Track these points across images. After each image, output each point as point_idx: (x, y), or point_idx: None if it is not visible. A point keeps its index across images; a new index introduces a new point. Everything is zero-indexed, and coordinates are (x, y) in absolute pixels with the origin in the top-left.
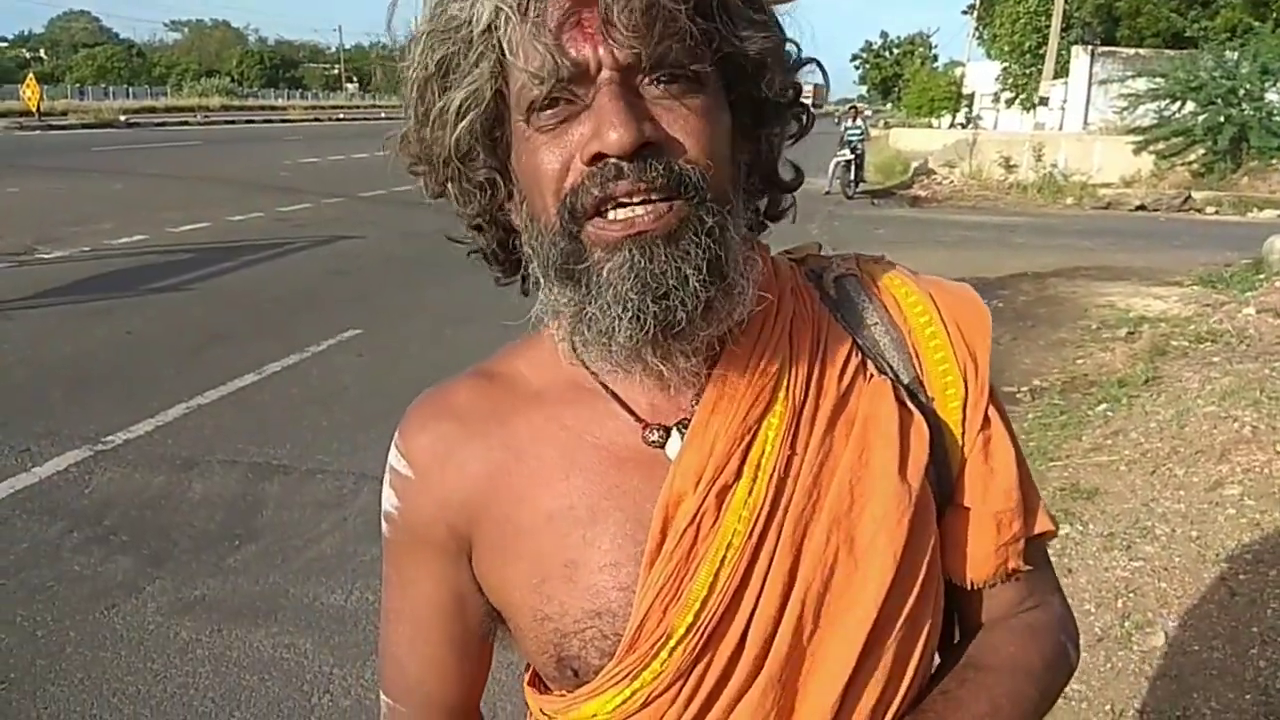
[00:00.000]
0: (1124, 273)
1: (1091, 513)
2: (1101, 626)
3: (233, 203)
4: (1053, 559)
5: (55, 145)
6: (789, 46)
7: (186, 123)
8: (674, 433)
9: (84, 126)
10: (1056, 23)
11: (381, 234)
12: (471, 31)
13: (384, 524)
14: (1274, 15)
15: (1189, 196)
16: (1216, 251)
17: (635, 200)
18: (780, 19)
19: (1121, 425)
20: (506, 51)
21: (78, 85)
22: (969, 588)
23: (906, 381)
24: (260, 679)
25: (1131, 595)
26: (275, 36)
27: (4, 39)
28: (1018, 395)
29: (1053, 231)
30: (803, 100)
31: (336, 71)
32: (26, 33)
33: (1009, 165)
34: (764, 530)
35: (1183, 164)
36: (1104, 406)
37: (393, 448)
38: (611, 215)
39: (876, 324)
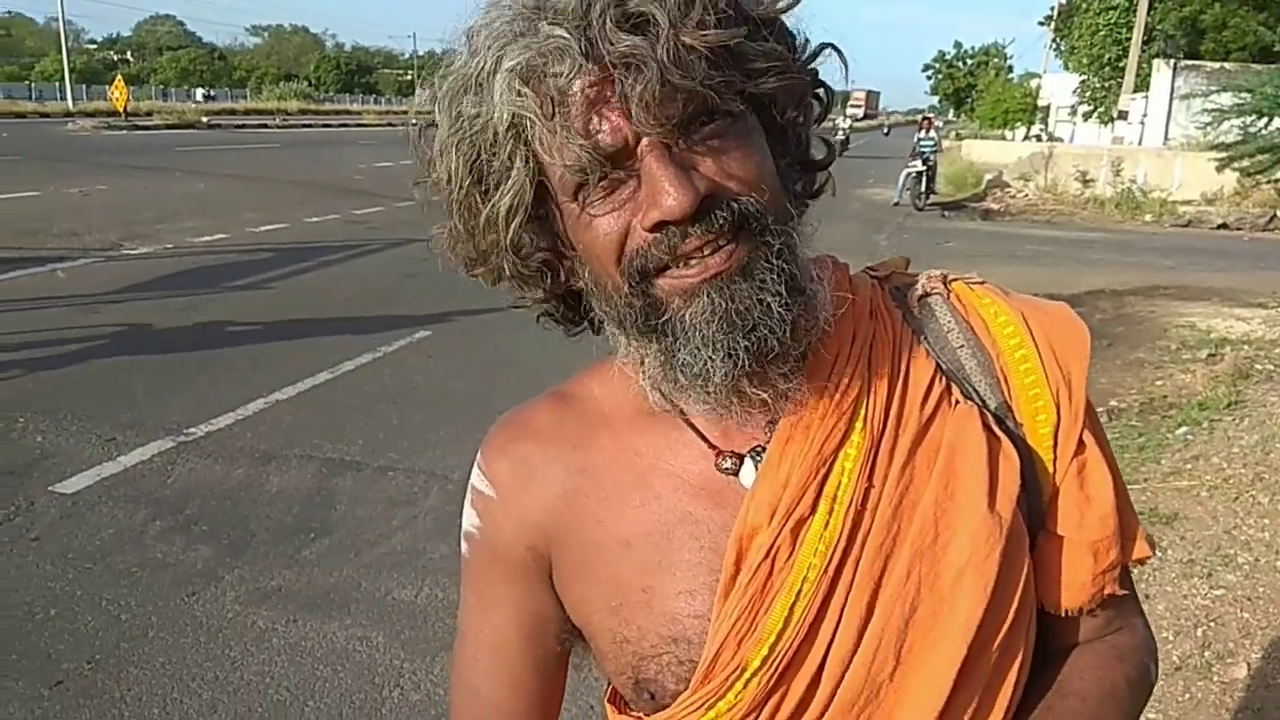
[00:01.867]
0: (1205, 293)
1: (1171, 538)
2: (1180, 655)
3: (309, 204)
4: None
5: (140, 145)
6: (798, 41)
7: (265, 125)
8: (747, 460)
9: (168, 127)
10: (1138, 35)
11: None
12: (497, 132)
13: (464, 544)
14: None
15: (1275, 215)
16: None
17: (705, 252)
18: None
19: (1202, 449)
20: (539, 148)
21: (161, 86)
22: (1063, 615)
23: (994, 407)
24: (333, 670)
25: (1212, 624)
26: (352, 42)
27: (93, 41)
28: None
29: (1131, 248)
30: (819, 80)
31: (410, 77)
32: (115, 35)
33: (1086, 180)
34: (840, 564)
35: (1269, 182)
36: (1184, 430)
37: (474, 469)
38: (680, 266)
39: (963, 346)
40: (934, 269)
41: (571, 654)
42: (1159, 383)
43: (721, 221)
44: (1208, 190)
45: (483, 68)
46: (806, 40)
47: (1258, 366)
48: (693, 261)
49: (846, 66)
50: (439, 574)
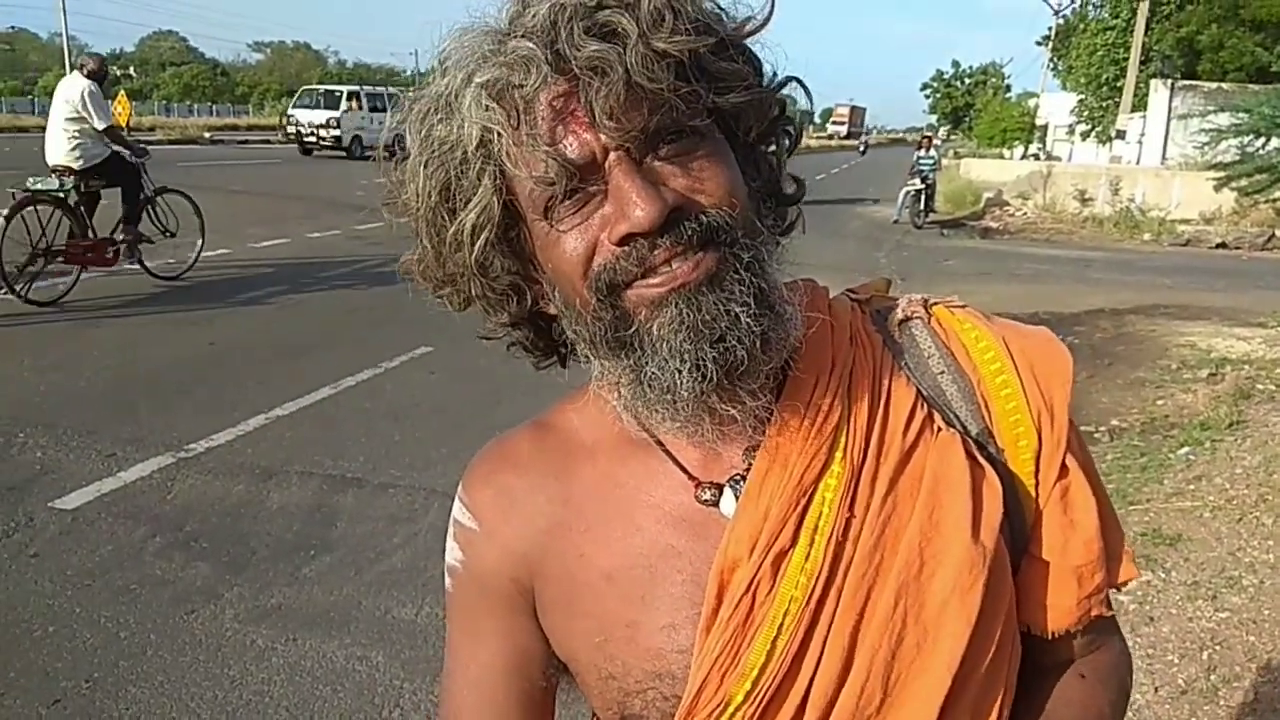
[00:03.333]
0: (1205, 312)
1: (1174, 560)
2: (1185, 679)
3: (311, 220)
4: (1134, 606)
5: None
6: (765, 68)
7: (268, 141)
8: (727, 490)
9: (170, 143)
10: (1135, 55)
11: None
12: (465, 150)
13: (448, 579)
14: None
15: (1273, 235)
16: None
17: (674, 263)
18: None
19: (1205, 470)
20: (507, 163)
21: (164, 102)
22: (1048, 638)
23: (975, 433)
24: (333, 690)
25: (1218, 647)
26: (354, 59)
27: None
28: (1096, 435)
29: (1130, 267)
30: (787, 114)
31: (411, 93)
32: (118, 51)
33: (1084, 198)
34: (822, 596)
35: (1267, 202)
36: (1186, 450)
37: (456, 501)
38: (651, 277)
39: (943, 372)
40: (915, 292)
41: (559, 689)
42: (1160, 402)
43: (690, 233)
44: (1206, 209)
45: (452, 87)
46: (775, 72)
47: (1259, 386)
48: (660, 272)
49: (811, 98)
50: (440, 592)
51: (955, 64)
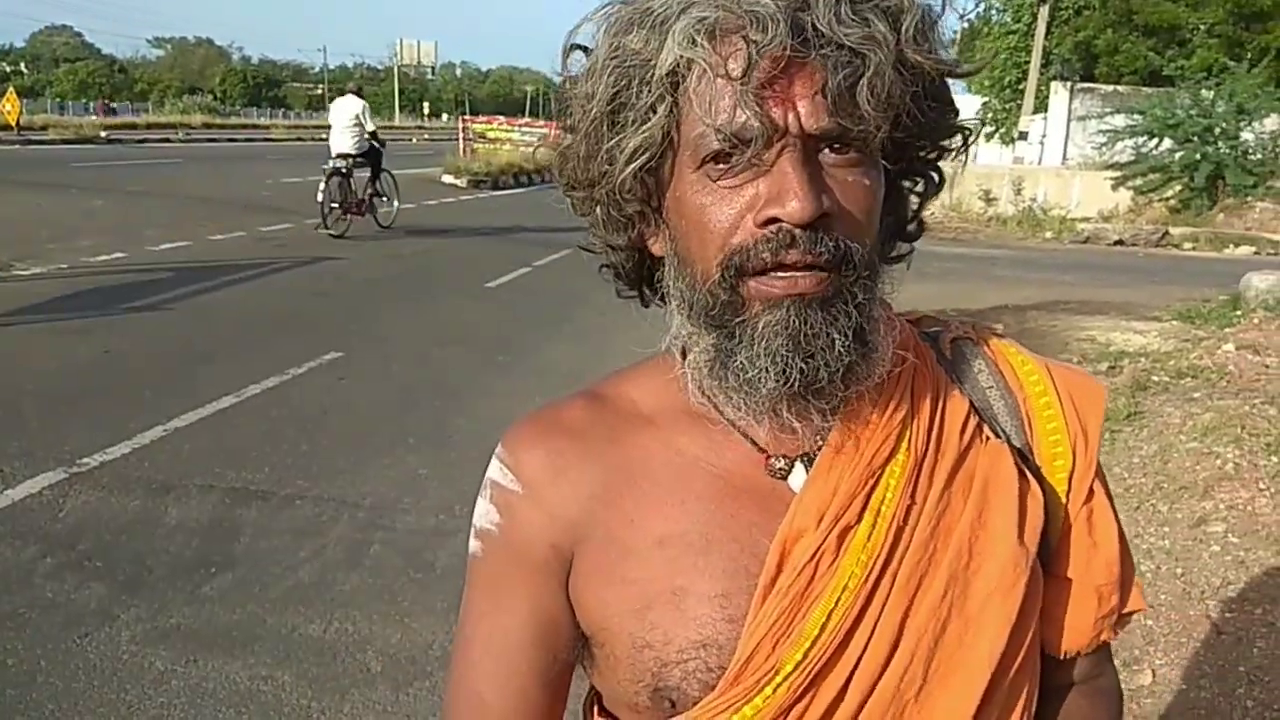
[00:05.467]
0: (1104, 307)
1: None
2: None
3: (214, 221)
4: None
5: (34, 160)
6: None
7: (168, 140)
8: (798, 464)
9: (64, 142)
10: (1036, 59)
11: (363, 255)
12: (653, 71)
13: (476, 543)
14: (1248, 56)
15: (1166, 232)
16: (1194, 287)
17: (799, 267)
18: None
19: (1105, 460)
20: (692, 100)
21: (58, 100)
22: (1061, 657)
23: (1018, 446)
24: (237, 712)
25: None
26: (259, 55)
27: None
28: None
29: (1032, 265)
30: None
31: (320, 91)
32: (7, 46)
33: (989, 198)
34: (880, 576)
35: (1160, 200)
36: None
37: (495, 462)
38: (775, 274)
39: (991, 387)
40: (960, 316)
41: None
42: None
43: (825, 249)
44: (1104, 208)
45: (666, 8)
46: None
47: (1154, 378)
48: (787, 273)
49: (968, 151)
50: (349, 606)
51: None
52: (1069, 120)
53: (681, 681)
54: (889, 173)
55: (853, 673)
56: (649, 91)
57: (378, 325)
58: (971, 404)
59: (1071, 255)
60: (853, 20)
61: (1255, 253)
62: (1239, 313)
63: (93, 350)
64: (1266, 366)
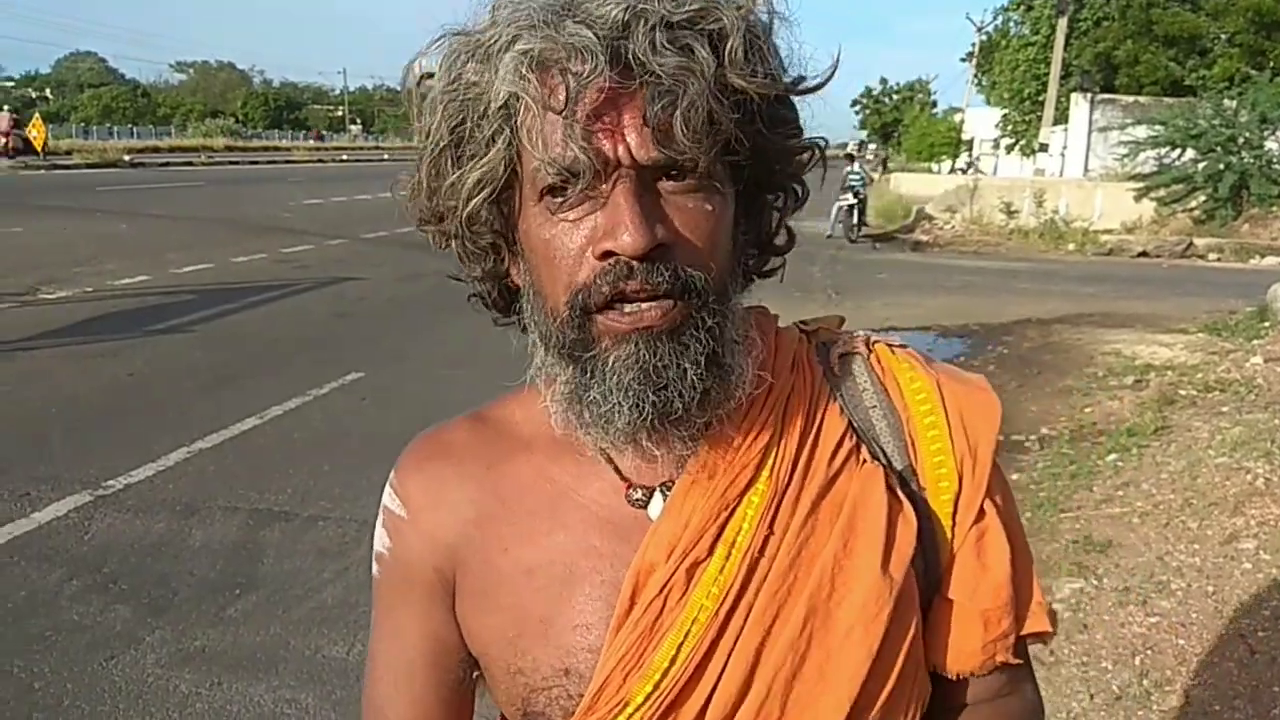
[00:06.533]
0: (1129, 320)
1: (1106, 566)
2: (1119, 685)
3: (236, 244)
4: (1068, 614)
5: (59, 185)
6: (810, 137)
7: (191, 163)
8: (657, 494)
9: (89, 166)
10: (1056, 70)
11: (384, 276)
12: (488, 106)
13: (375, 565)
14: (1271, 65)
15: (1191, 243)
16: (1220, 299)
17: (642, 297)
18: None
19: (1132, 476)
20: (524, 137)
21: (83, 125)
22: (954, 678)
23: (900, 468)
24: None
25: (1149, 652)
26: (280, 78)
27: (10, 78)
28: (1026, 444)
29: (1055, 277)
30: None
31: (340, 113)
32: (33, 72)
33: (1010, 211)
34: (732, 608)
35: (1184, 211)
36: (1114, 456)
37: (387, 487)
38: (620, 309)
39: (874, 407)
40: (860, 329)
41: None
42: (1088, 409)
43: (661, 279)
44: (1127, 219)
45: (495, 41)
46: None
47: (1181, 392)
48: (629, 308)
49: (825, 164)
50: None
51: (883, 80)
52: (1090, 131)
53: (546, 707)
54: (750, 192)
55: (706, 705)
56: (487, 124)
57: (398, 346)
58: (851, 425)
59: (1095, 267)
60: (667, 49)
61: None
62: (1266, 324)
63: (117, 372)
64: None
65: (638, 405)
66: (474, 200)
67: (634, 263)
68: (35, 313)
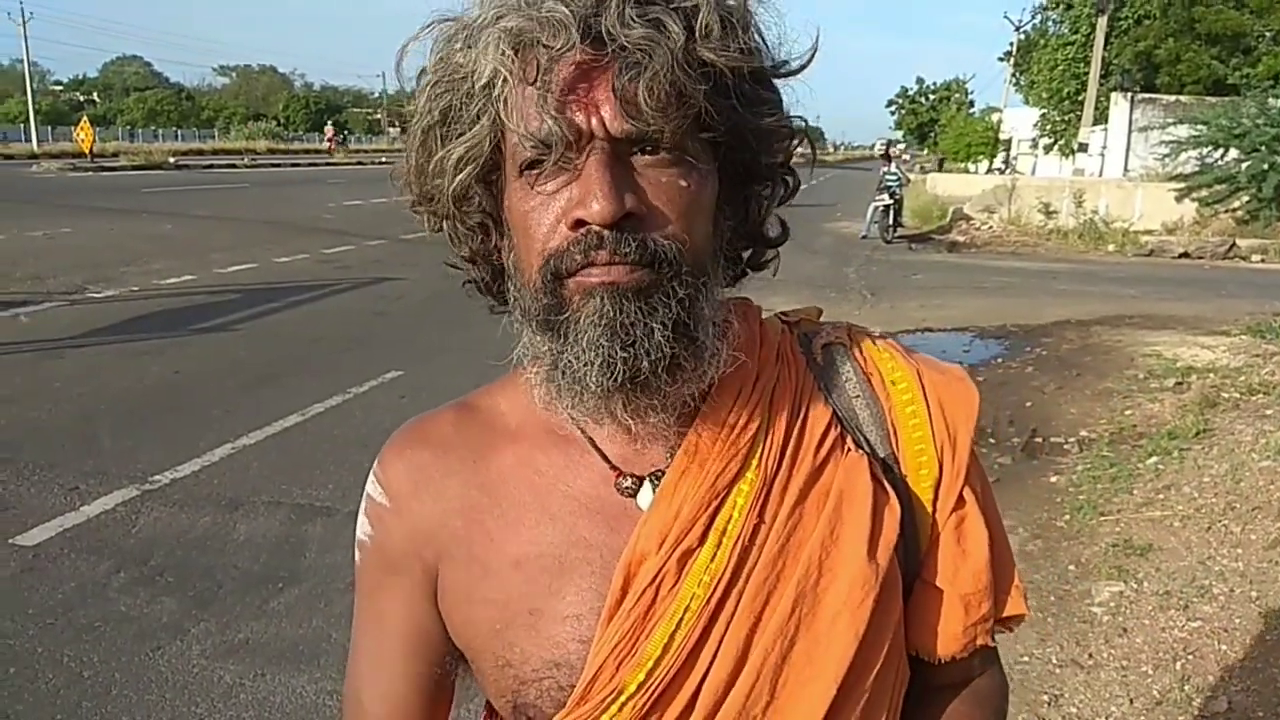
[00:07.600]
0: (1169, 321)
1: (1146, 570)
2: (1160, 689)
3: (278, 244)
4: (1107, 617)
5: (106, 186)
6: (791, 118)
7: (234, 165)
8: (646, 483)
9: (134, 168)
10: (1095, 69)
11: (422, 275)
12: (473, 85)
13: (356, 552)
14: None
15: (1234, 244)
16: (1264, 300)
17: (613, 265)
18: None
19: (1173, 479)
20: (503, 111)
21: (129, 128)
22: (936, 662)
23: (882, 456)
24: None
25: (1191, 657)
26: (320, 81)
27: (59, 83)
28: (1065, 446)
29: (1095, 278)
30: (791, 164)
31: (379, 116)
32: (81, 77)
33: (1049, 211)
34: (723, 597)
35: (1227, 211)
36: (1154, 459)
37: (370, 476)
38: (589, 271)
39: (858, 396)
40: (840, 320)
41: (459, 681)
42: (1128, 412)
43: (629, 249)
44: (1168, 220)
45: (479, 21)
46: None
47: (1224, 395)
48: (599, 269)
49: (815, 152)
50: None
51: (919, 80)
52: (1130, 131)
53: (537, 699)
54: (737, 178)
55: (697, 692)
56: (472, 102)
57: (436, 344)
58: (836, 414)
59: (1135, 268)
60: (635, 21)
61: None
62: None
63: (163, 370)
64: None
65: (608, 363)
66: (459, 176)
67: (605, 232)
68: (83, 311)
